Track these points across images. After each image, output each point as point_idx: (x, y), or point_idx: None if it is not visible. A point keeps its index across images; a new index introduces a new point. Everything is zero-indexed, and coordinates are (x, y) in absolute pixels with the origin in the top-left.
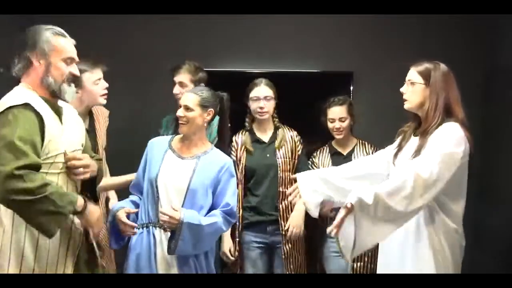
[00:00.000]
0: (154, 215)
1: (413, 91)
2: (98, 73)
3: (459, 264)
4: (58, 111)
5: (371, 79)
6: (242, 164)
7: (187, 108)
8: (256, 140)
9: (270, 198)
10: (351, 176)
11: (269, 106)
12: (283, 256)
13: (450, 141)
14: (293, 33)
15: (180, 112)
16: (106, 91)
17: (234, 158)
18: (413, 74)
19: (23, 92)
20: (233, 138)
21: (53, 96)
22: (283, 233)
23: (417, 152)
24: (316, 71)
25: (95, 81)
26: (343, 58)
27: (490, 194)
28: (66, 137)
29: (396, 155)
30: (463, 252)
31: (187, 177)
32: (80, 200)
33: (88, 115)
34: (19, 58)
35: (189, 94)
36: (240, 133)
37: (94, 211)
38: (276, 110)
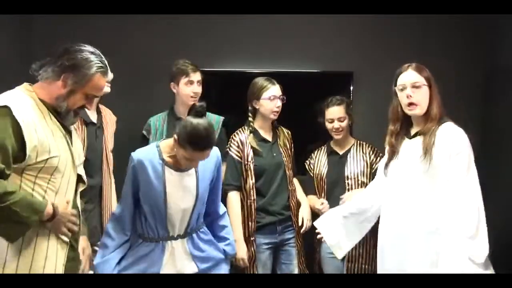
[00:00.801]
0: (164, 230)
1: (422, 94)
2: None
3: None
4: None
5: (371, 79)
6: (252, 164)
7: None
8: (262, 140)
9: (279, 198)
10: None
11: (281, 105)
12: (296, 251)
13: (467, 146)
14: (293, 33)
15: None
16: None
17: (238, 158)
18: (416, 76)
19: (14, 95)
20: (236, 137)
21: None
22: (297, 229)
23: (426, 152)
24: (316, 71)
25: None
26: (343, 58)
27: (490, 194)
28: (74, 144)
29: (387, 165)
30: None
31: (193, 187)
32: (48, 208)
33: (96, 111)
34: (53, 68)
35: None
36: (242, 132)
37: (63, 220)
38: None
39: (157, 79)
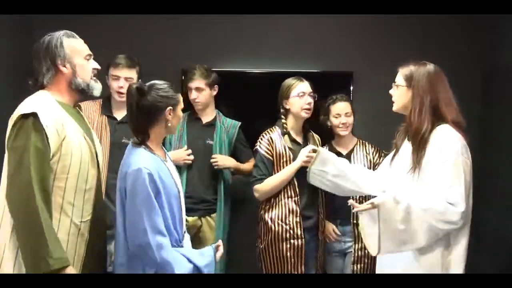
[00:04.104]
0: (181, 228)
1: (398, 94)
2: (116, 71)
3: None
4: (79, 117)
5: (371, 79)
6: (286, 165)
7: None
8: (293, 141)
9: (309, 201)
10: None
11: (313, 103)
12: (316, 261)
13: (457, 153)
14: (293, 33)
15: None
16: (122, 90)
17: (268, 156)
18: (398, 76)
19: (41, 99)
20: (267, 136)
21: (80, 96)
22: (321, 232)
23: (417, 163)
24: (316, 71)
25: (112, 76)
26: (343, 58)
27: (490, 194)
28: (96, 140)
29: (393, 157)
30: None
31: (176, 171)
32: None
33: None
34: (46, 67)
35: None
36: (271, 132)
37: None
38: None
39: (157, 79)
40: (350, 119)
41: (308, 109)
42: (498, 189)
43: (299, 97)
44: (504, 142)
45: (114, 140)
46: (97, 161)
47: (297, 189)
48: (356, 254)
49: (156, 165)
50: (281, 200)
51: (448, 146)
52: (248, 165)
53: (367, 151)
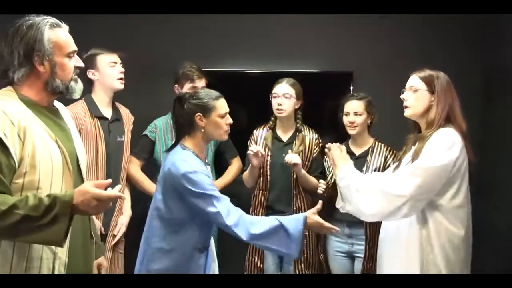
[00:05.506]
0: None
1: (416, 98)
2: (113, 56)
3: (457, 263)
4: (54, 118)
5: (371, 79)
6: (265, 159)
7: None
8: (275, 138)
9: (283, 198)
10: None
11: (288, 104)
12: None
13: (440, 151)
14: (293, 33)
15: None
16: (122, 75)
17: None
18: (416, 80)
19: None
20: (254, 132)
21: (56, 97)
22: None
23: (415, 157)
24: (316, 71)
25: (110, 63)
26: (343, 58)
27: (490, 194)
28: (77, 144)
29: (395, 169)
30: (465, 251)
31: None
32: (61, 201)
33: (112, 107)
34: (19, 61)
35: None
36: (262, 128)
37: (84, 199)
38: (300, 112)
39: (157, 80)
40: (359, 119)
41: (278, 110)
42: (498, 189)
43: (273, 98)
44: (504, 142)
45: (111, 140)
46: (79, 168)
47: (268, 184)
48: (366, 253)
49: (201, 166)
50: (255, 191)
51: (439, 142)
52: (229, 177)
53: (381, 154)
